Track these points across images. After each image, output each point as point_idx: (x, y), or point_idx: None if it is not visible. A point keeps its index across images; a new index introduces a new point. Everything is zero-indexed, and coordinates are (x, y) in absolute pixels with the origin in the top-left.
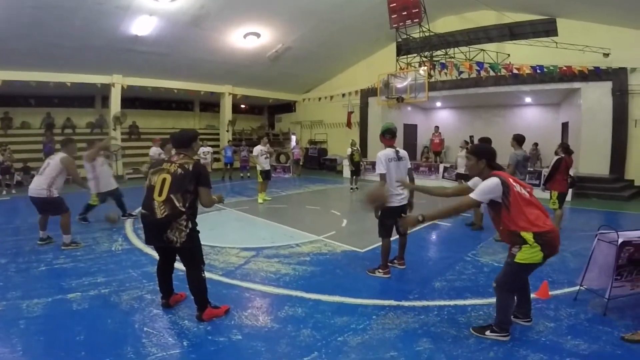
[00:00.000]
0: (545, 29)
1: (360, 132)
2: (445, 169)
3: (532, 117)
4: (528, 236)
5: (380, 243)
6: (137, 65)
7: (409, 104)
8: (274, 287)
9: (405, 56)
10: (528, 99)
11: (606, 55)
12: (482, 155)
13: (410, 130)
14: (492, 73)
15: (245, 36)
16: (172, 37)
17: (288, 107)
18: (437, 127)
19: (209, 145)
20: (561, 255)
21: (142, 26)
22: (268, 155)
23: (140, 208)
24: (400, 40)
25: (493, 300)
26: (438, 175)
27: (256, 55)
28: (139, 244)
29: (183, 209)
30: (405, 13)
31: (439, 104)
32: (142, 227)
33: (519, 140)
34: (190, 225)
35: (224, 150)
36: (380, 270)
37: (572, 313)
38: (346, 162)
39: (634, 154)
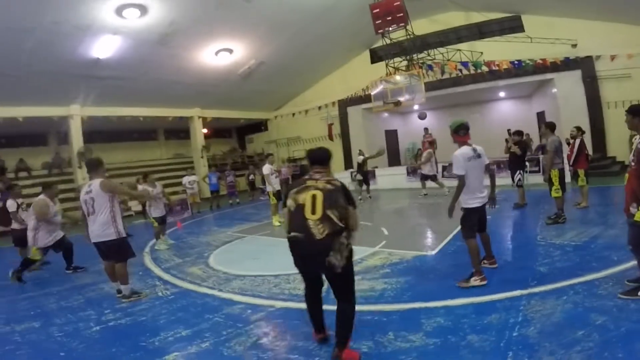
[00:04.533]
0: (511, 25)
1: (343, 143)
2: (444, 167)
3: (507, 110)
4: None
5: (466, 245)
6: (97, 92)
7: (386, 111)
8: (388, 304)
9: (392, 60)
10: (502, 93)
11: (574, 46)
12: (638, 113)
13: (392, 136)
14: (474, 71)
15: (217, 53)
16: (137, 58)
17: (257, 127)
18: (426, 129)
19: (193, 174)
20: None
21: (103, 48)
22: (277, 174)
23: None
24: (384, 44)
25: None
26: (437, 175)
27: (227, 74)
28: (186, 284)
29: (342, 225)
30: (389, 18)
31: (416, 107)
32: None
33: (552, 127)
34: (350, 243)
35: (208, 178)
36: (476, 279)
37: None
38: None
39: (612, 133)
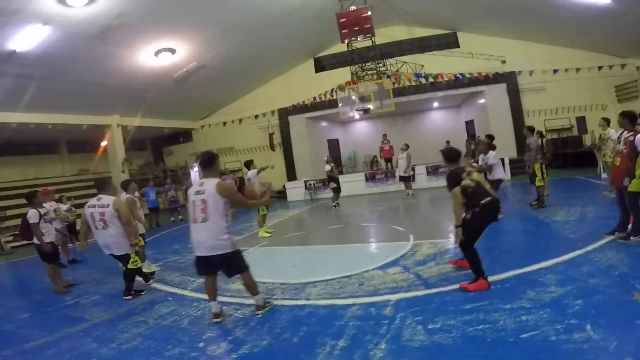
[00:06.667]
0: (447, 41)
1: (284, 154)
2: None
3: (438, 119)
4: (638, 170)
5: None
6: None
7: (324, 120)
8: (491, 275)
9: (356, 67)
10: (436, 104)
11: (504, 62)
12: (627, 116)
13: (334, 145)
14: (417, 82)
15: (157, 53)
16: (64, 54)
17: (176, 138)
18: (384, 135)
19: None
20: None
21: (25, 39)
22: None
23: None
24: (348, 50)
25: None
26: (395, 180)
27: (161, 76)
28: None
29: None
30: (357, 28)
31: (357, 116)
32: None
33: (532, 129)
34: None
35: (145, 194)
36: None
37: None
38: (301, 186)
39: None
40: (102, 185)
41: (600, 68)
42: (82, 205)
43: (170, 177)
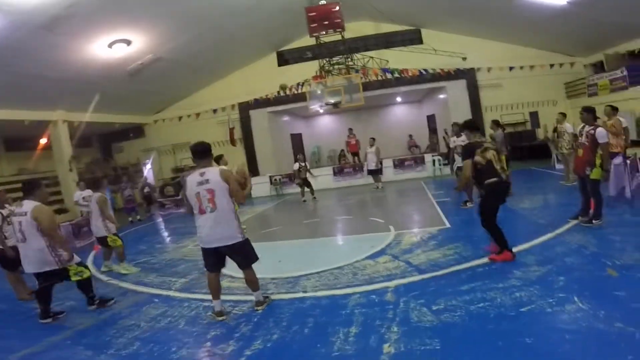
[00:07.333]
0: (412, 37)
1: (246, 149)
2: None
3: (401, 114)
4: (598, 160)
5: None
6: None
7: (287, 114)
8: (478, 259)
9: (324, 61)
10: (399, 98)
11: (464, 59)
12: (588, 111)
13: (297, 140)
14: (382, 77)
15: (111, 45)
16: (8, 45)
17: (126, 133)
18: (350, 129)
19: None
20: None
21: None
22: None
23: None
24: (316, 44)
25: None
26: (363, 174)
27: (113, 69)
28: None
29: None
30: (326, 23)
31: (321, 110)
32: None
33: (497, 123)
34: None
35: None
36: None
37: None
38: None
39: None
40: (29, 188)
41: (552, 66)
42: None
43: (126, 175)
